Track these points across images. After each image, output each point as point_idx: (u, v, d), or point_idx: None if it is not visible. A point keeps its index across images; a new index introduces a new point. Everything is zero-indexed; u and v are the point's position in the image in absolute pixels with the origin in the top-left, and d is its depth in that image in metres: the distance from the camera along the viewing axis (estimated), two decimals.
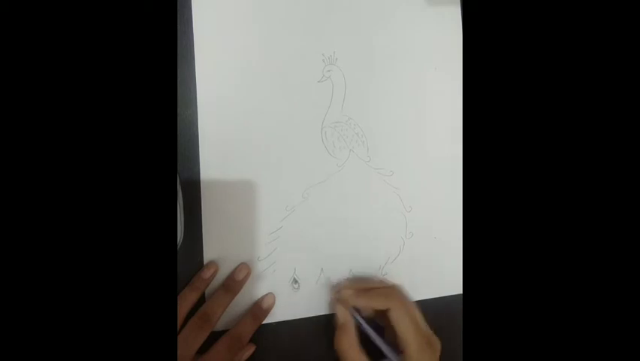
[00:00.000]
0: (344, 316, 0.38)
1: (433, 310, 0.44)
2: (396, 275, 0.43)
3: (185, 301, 0.36)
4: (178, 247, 0.36)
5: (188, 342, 0.35)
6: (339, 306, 0.38)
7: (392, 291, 0.39)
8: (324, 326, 0.41)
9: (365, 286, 0.39)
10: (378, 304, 0.37)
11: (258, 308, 0.39)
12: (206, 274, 0.37)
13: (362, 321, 0.38)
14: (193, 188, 0.38)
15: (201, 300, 0.38)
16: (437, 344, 0.38)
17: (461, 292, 0.45)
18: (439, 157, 0.45)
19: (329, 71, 0.42)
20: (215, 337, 0.37)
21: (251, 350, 0.38)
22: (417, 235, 0.44)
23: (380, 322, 0.39)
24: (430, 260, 0.45)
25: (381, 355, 0.37)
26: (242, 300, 0.39)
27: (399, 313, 0.36)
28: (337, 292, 0.39)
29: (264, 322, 0.39)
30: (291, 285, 0.41)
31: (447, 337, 0.45)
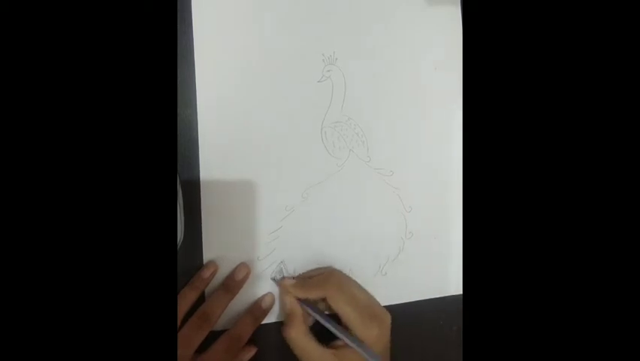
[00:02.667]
0: (290, 305, 0.38)
1: (433, 310, 0.44)
2: (396, 275, 0.43)
3: (185, 301, 0.36)
4: (178, 247, 0.36)
5: (187, 341, 0.35)
6: (285, 296, 0.38)
7: (326, 278, 0.39)
8: (323, 326, 0.41)
9: (303, 276, 0.40)
10: (314, 293, 0.38)
11: (258, 308, 0.39)
12: (206, 273, 0.37)
13: (308, 308, 0.38)
14: (193, 188, 0.38)
15: (201, 299, 0.38)
16: (385, 317, 0.38)
17: (461, 292, 0.45)
18: (438, 157, 0.45)
19: (329, 71, 0.42)
20: (214, 336, 0.37)
21: (252, 352, 0.38)
22: (417, 235, 0.44)
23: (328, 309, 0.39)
24: (430, 260, 0.45)
25: (334, 337, 0.37)
26: (241, 300, 0.39)
27: (334, 298, 0.37)
28: (280, 283, 0.40)
29: (263, 322, 0.39)
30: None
31: (447, 337, 0.45)
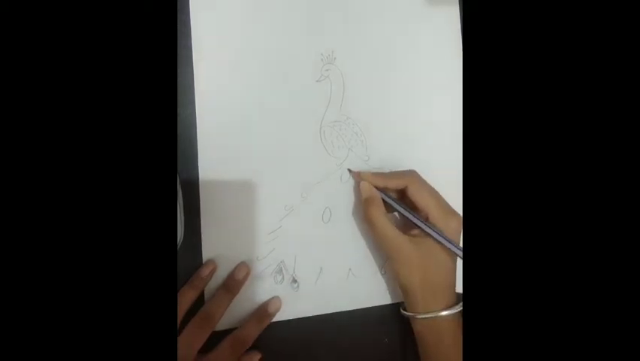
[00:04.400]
0: (368, 189, 0.39)
1: None
2: None
3: (184, 300, 0.36)
4: (178, 247, 0.36)
5: (189, 342, 0.35)
6: (362, 182, 0.40)
7: (406, 172, 0.41)
8: (323, 326, 0.41)
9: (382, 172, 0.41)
10: (395, 182, 0.39)
11: (264, 311, 0.39)
12: (205, 272, 0.37)
13: (385, 195, 0.39)
14: (193, 188, 0.38)
15: (200, 299, 0.38)
16: (458, 215, 0.39)
17: (461, 291, 0.45)
18: (438, 157, 0.45)
19: (327, 70, 0.42)
20: (216, 337, 0.37)
21: (257, 357, 0.38)
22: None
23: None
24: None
25: (411, 224, 0.38)
26: (242, 300, 0.39)
27: (416, 187, 0.39)
28: (358, 174, 0.41)
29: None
30: (290, 285, 0.41)
31: None
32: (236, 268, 0.39)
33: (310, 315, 0.41)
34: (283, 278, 0.41)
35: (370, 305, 0.42)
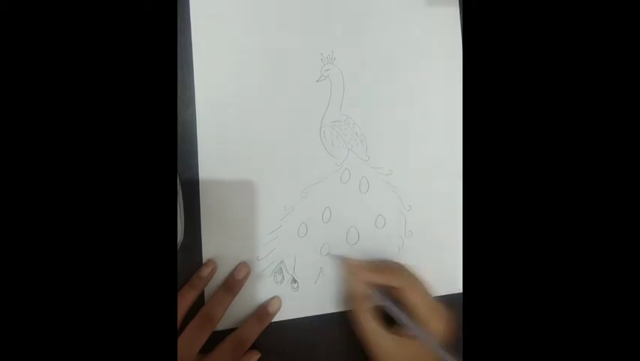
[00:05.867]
0: (356, 285, 0.38)
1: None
2: None
3: (184, 300, 0.36)
4: (178, 247, 0.36)
5: (190, 342, 0.35)
6: (352, 278, 0.38)
7: (400, 267, 0.39)
8: (323, 326, 0.41)
9: (371, 264, 0.40)
10: (386, 279, 0.38)
11: (264, 311, 0.39)
12: (205, 272, 0.37)
13: (379, 294, 0.38)
14: (193, 188, 0.38)
15: (200, 299, 0.38)
16: (445, 313, 0.38)
17: (461, 290, 0.45)
18: (438, 156, 0.45)
19: (327, 70, 0.42)
20: (216, 337, 0.37)
21: (256, 356, 0.38)
22: (416, 234, 0.44)
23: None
24: (430, 259, 0.45)
25: (396, 323, 0.37)
26: (242, 300, 0.39)
27: (412, 287, 0.37)
28: (344, 262, 0.40)
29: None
30: (290, 285, 0.41)
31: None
32: (236, 268, 0.39)
33: (310, 315, 0.41)
34: (283, 278, 0.41)
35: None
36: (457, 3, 0.46)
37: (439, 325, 0.37)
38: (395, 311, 0.37)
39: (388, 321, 0.38)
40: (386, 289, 0.38)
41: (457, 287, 0.45)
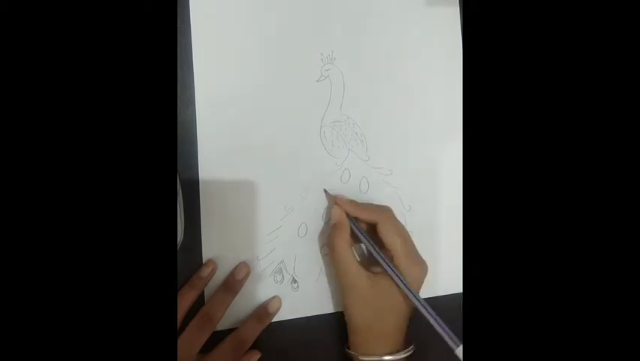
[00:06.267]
0: (339, 215, 0.38)
1: (432, 309, 0.44)
2: None
3: (184, 300, 0.36)
4: (178, 247, 0.36)
5: (190, 342, 0.35)
6: (335, 207, 0.39)
7: (383, 208, 0.39)
8: (323, 326, 0.41)
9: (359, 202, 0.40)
10: (367, 215, 0.38)
11: (264, 311, 0.39)
12: (205, 272, 0.37)
13: (355, 225, 0.38)
14: (193, 188, 0.38)
15: (200, 299, 0.38)
16: (425, 264, 0.38)
17: (461, 290, 0.45)
18: (438, 156, 0.45)
19: (327, 70, 0.42)
20: (216, 337, 0.37)
21: (256, 356, 0.38)
22: (416, 234, 0.44)
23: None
24: (430, 259, 0.45)
25: (372, 261, 0.38)
26: (242, 300, 0.39)
27: (387, 226, 0.37)
28: (333, 197, 0.40)
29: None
30: (290, 285, 0.41)
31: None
32: (236, 268, 0.39)
33: (310, 315, 0.41)
34: (283, 278, 0.41)
35: None
36: (457, 3, 0.46)
37: (413, 269, 0.37)
38: (373, 248, 0.37)
39: (368, 259, 0.38)
40: (370, 228, 0.39)
41: (457, 287, 0.45)
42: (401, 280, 0.35)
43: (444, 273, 0.45)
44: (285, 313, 0.40)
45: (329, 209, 0.41)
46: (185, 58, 0.39)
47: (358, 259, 0.37)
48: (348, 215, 0.38)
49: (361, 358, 0.36)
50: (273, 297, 0.40)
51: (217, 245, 0.39)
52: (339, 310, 0.41)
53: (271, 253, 0.40)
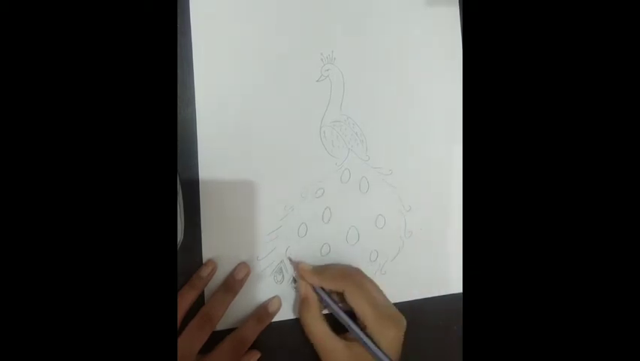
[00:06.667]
0: (306, 290, 0.38)
1: (432, 309, 0.44)
2: (395, 274, 0.43)
3: (184, 300, 0.36)
4: (178, 247, 0.36)
5: (189, 342, 0.35)
6: (302, 281, 0.39)
7: (346, 273, 0.39)
8: (336, 319, 0.41)
9: (322, 268, 0.40)
10: (331, 284, 0.38)
11: (264, 311, 0.39)
12: (205, 272, 0.37)
13: (323, 295, 0.38)
14: (193, 188, 0.38)
15: (200, 299, 0.38)
16: (401, 320, 0.37)
17: (461, 291, 0.45)
18: (438, 156, 0.45)
19: (327, 70, 0.42)
20: (216, 337, 0.37)
21: (256, 356, 0.38)
22: (416, 235, 0.44)
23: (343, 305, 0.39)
24: (430, 259, 0.45)
25: (345, 329, 0.37)
26: (242, 300, 0.39)
27: (353, 293, 0.37)
28: (296, 266, 0.40)
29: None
30: (290, 285, 0.41)
31: (447, 336, 0.45)
32: (236, 268, 0.39)
33: None
34: (283, 278, 0.41)
35: None
36: (457, 3, 0.46)
37: (387, 332, 0.36)
38: (341, 317, 0.37)
39: (340, 326, 0.37)
40: (337, 294, 0.38)
41: (457, 287, 0.45)
42: (372, 349, 0.35)
43: (444, 273, 0.45)
44: (285, 313, 0.40)
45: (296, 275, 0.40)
46: (186, 57, 0.39)
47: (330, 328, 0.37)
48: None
49: None
50: (273, 297, 0.40)
51: (217, 245, 0.39)
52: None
53: (271, 253, 0.40)
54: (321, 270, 0.39)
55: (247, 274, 0.39)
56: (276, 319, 0.40)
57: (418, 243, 0.44)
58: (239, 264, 0.39)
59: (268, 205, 0.40)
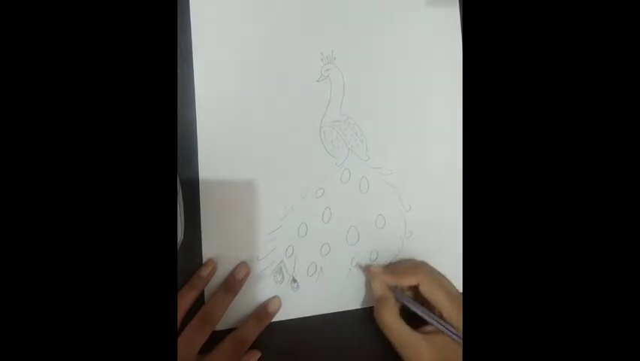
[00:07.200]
0: (380, 289, 0.39)
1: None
2: None
3: (184, 300, 0.36)
4: (178, 247, 0.36)
5: (189, 342, 0.35)
6: (374, 281, 0.40)
7: (417, 266, 0.40)
8: (323, 326, 0.41)
9: (393, 266, 0.41)
10: (406, 280, 0.39)
11: (264, 311, 0.39)
12: (205, 272, 0.38)
13: (398, 293, 0.39)
14: (193, 188, 0.38)
15: (200, 299, 0.38)
16: None
17: (461, 290, 0.45)
18: (438, 156, 0.45)
19: (327, 70, 0.42)
20: (216, 337, 0.37)
21: (256, 356, 0.38)
22: (416, 235, 0.44)
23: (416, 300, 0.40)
24: (430, 259, 0.45)
25: (423, 322, 0.38)
26: (242, 300, 0.39)
27: (428, 284, 0.38)
28: (367, 269, 0.41)
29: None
30: (290, 284, 0.41)
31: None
32: (236, 268, 0.39)
33: (310, 315, 0.41)
34: (283, 278, 0.41)
35: (370, 305, 0.42)
36: (457, 3, 0.46)
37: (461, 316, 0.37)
38: (418, 308, 0.38)
39: (416, 322, 0.38)
40: (409, 289, 0.40)
41: (457, 287, 0.45)
42: (457, 335, 0.36)
43: (444, 273, 0.45)
44: (285, 313, 0.40)
45: (368, 282, 0.42)
46: (186, 58, 0.39)
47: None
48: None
49: None
50: (273, 297, 0.40)
51: (217, 245, 0.39)
52: (339, 310, 0.42)
53: (271, 253, 0.40)
54: (393, 268, 0.40)
55: (247, 274, 0.39)
56: (276, 319, 0.40)
57: (418, 243, 0.44)
58: (239, 264, 0.39)
59: (268, 205, 0.40)
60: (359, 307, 0.42)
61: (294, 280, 0.41)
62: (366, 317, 0.42)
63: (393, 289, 0.39)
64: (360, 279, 0.42)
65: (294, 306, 0.41)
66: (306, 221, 0.41)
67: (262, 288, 0.40)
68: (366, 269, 0.41)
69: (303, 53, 0.42)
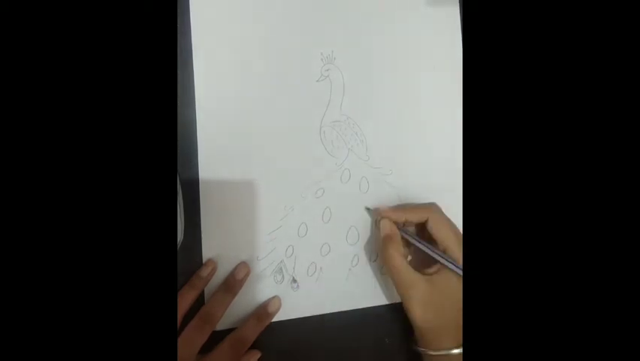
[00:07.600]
0: (388, 227, 0.39)
1: None
2: None
3: (184, 300, 0.36)
4: (178, 247, 0.36)
5: (189, 342, 0.35)
6: (383, 220, 0.40)
7: (427, 205, 0.41)
8: (323, 326, 0.41)
9: (402, 205, 0.42)
10: (415, 216, 0.40)
11: (264, 311, 0.39)
12: (205, 272, 0.38)
13: (404, 231, 0.40)
14: (193, 188, 0.38)
15: (200, 299, 0.38)
16: None
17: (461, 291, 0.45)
18: (438, 156, 0.45)
19: (327, 70, 0.42)
20: (216, 337, 0.37)
21: (256, 356, 0.38)
22: None
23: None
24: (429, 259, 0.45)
25: (428, 262, 0.39)
26: (242, 300, 0.39)
27: (436, 220, 0.39)
28: (377, 210, 0.41)
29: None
30: (289, 284, 0.41)
31: None
32: (236, 268, 0.39)
33: (310, 315, 0.41)
34: (283, 278, 0.41)
35: (370, 305, 0.42)
36: (457, 3, 0.46)
37: None
38: (422, 244, 0.38)
39: (421, 263, 0.39)
40: (417, 226, 0.41)
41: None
42: (459, 268, 0.37)
43: None
44: (285, 313, 0.40)
45: (374, 223, 0.42)
46: (186, 58, 0.39)
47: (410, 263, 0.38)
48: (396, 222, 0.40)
49: (430, 353, 0.37)
50: (273, 297, 0.40)
51: (217, 245, 0.39)
52: (339, 310, 0.41)
53: (271, 253, 0.40)
54: (402, 206, 0.42)
55: (247, 274, 0.39)
56: (276, 319, 0.40)
57: None
58: (239, 264, 0.39)
59: (268, 205, 0.40)
60: (359, 307, 0.42)
61: (294, 280, 0.41)
62: (366, 317, 0.42)
63: (400, 226, 0.40)
64: (360, 279, 0.42)
65: (294, 306, 0.41)
66: (306, 221, 0.41)
67: (262, 288, 0.40)
68: (376, 210, 0.41)
69: (303, 53, 0.42)
